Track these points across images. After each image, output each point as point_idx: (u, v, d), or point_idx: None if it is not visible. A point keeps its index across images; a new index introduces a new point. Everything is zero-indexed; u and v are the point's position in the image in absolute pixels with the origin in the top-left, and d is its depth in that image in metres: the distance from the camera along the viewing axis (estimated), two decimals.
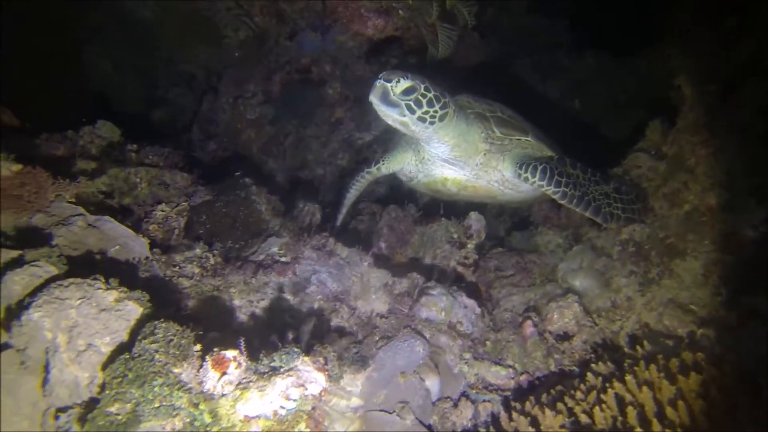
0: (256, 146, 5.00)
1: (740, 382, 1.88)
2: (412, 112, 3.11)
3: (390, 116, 3.15)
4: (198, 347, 1.87)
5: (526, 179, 3.46)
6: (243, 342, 1.88)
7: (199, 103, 4.81)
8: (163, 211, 3.29)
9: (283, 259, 3.12)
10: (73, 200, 2.74)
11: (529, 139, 3.68)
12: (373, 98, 3.10)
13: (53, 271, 2.03)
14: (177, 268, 2.88)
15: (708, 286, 2.98)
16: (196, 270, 2.88)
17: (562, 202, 3.49)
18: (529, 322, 3.13)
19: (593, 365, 2.62)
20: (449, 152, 3.46)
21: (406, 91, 3.08)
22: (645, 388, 2.09)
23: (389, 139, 4.51)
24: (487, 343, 3.07)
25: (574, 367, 3.02)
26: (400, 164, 3.82)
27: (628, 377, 2.24)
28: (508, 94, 6.39)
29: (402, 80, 3.07)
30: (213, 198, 3.50)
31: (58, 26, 4.69)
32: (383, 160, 3.85)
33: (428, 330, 2.80)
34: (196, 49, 4.63)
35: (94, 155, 3.58)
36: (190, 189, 3.62)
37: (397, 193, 4.81)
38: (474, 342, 3.00)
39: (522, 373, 3.03)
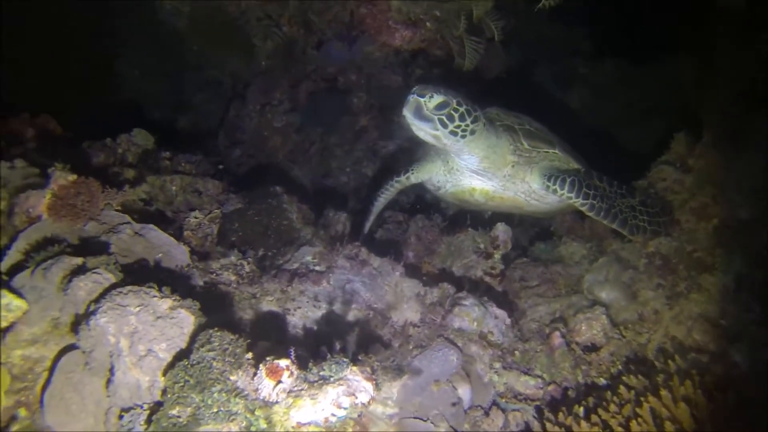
0: (282, 153, 5.09)
1: None
2: (445, 126, 3.18)
3: (423, 130, 3.23)
4: (250, 355, 1.94)
5: (554, 191, 3.51)
6: (293, 351, 1.95)
7: (225, 109, 4.91)
8: (196, 218, 3.37)
9: (317, 268, 3.20)
10: (119, 208, 2.84)
11: (556, 151, 3.74)
12: (407, 113, 3.18)
13: (112, 278, 2.12)
14: (214, 276, 2.96)
15: (738, 301, 3.01)
16: (233, 277, 2.95)
17: (590, 213, 3.55)
18: (557, 333, 3.18)
19: (624, 378, 2.66)
20: (478, 164, 3.53)
21: (439, 106, 3.15)
22: (682, 404, 2.13)
23: (413, 149, 4.57)
24: (516, 353, 3.12)
25: (602, 379, 3.07)
26: (428, 174, 3.89)
27: (664, 392, 2.28)
28: (529, 102, 6.45)
29: (435, 95, 3.15)
30: (245, 206, 3.59)
31: (92, 36, 4.82)
32: (412, 170, 3.92)
33: (460, 339, 2.86)
34: (224, 57, 4.73)
35: (132, 163, 3.69)
36: (221, 197, 3.71)
37: (420, 202, 4.88)
38: (503, 352, 3.05)
39: (550, 384, 3.08)
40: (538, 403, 2.96)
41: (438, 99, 3.16)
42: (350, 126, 5.25)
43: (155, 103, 5.39)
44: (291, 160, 5.19)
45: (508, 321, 3.08)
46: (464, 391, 2.76)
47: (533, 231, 4.75)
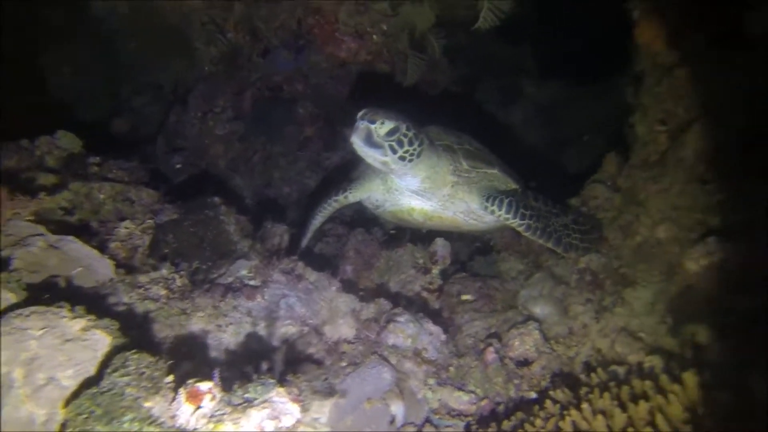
0: (224, 162, 4.97)
1: (684, 411, 2.02)
2: (395, 152, 3.19)
3: (372, 156, 3.21)
4: (170, 379, 1.85)
5: (492, 212, 3.57)
6: (218, 373, 1.88)
7: (165, 114, 4.73)
8: (127, 228, 3.22)
9: (252, 282, 3.12)
10: (32, 218, 2.66)
11: (495, 171, 3.81)
12: (357, 140, 3.13)
13: (12, 298, 1.97)
14: (142, 290, 2.82)
15: (655, 314, 3.17)
16: (163, 292, 2.83)
17: (526, 234, 3.63)
18: (491, 348, 3.23)
19: (551, 392, 2.74)
20: (419, 184, 3.54)
21: (390, 132, 3.15)
22: (600, 417, 2.21)
23: (356, 162, 4.55)
24: (451, 368, 3.15)
25: (533, 393, 3.14)
26: (367, 193, 3.86)
27: (584, 405, 2.36)
28: (474, 119, 6.60)
29: (386, 121, 3.13)
30: (180, 216, 3.46)
31: (9, 27, 4.42)
32: (351, 189, 3.87)
33: (394, 356, 2.86)
34: (165, 60, 4.55)
35: (53, 168, 3.48)
36: (156, 206, 3.56)
37: (362, 216, 4.87)
38: (438, 368, 3.07)
39: (483, 399, 3.12)
40: (470, 418, 3.00)
41: (389, 125, 3.15)
42: (295, 136, 5.19)
43: (88, 104, 5.10)
44: (233, 169, 5.07)
45: (443, 337, 3.11)
46: (397, 409, 2.76)
47: (474, 246, 4.84)
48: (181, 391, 1.79)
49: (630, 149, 4.08)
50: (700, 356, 2.53)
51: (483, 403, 3.11)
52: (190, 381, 1.81)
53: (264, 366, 2.16)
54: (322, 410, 2.51)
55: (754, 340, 2.65)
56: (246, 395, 1.86)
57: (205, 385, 1.80)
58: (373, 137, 3.15)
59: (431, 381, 2.97)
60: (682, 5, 3.31)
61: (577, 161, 6.39)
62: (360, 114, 3.19)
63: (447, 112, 5.63)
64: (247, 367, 2.06)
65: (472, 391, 3.11)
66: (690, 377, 2.12)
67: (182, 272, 3.00)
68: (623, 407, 2.24)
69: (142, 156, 4.49)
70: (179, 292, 2.86)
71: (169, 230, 3.37)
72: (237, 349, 2.61)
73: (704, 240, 3.07)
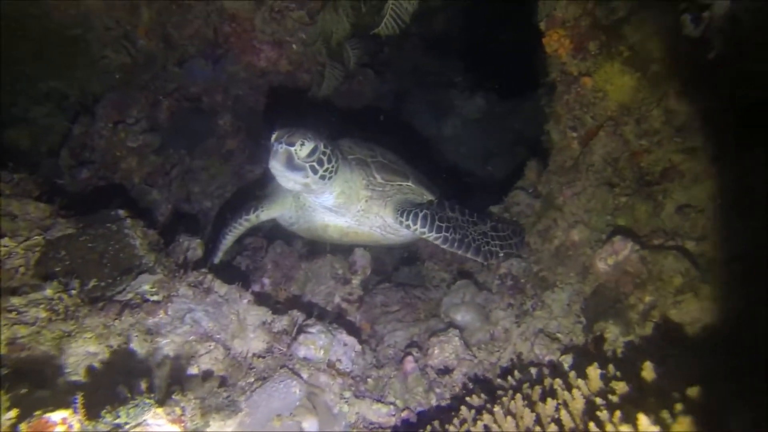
0: (139, 176, 4.69)
1: (588, 405, 2.01)
2: (315, 172, 3.09)
3: (293, 180, 3.08)
4: (13, 414, 1.61)
5: (407, 226, 3.50)
6: (80, 398, 1.67)
7: (71, 126, 4.41)
8: (5, 246, 2.93)
9: (154, 297, 2.90)
10: None
11: (409, 183, 3.77)
12: (277, 164, 2.98)
13: None
14: (14, 314, 2.54)
15: (572, 315, 3.20)
16: (43, 314, 2.55)
17: (444, 246, 3.60)
18: (410, 357, 3.15)
19: (467, 398, 2.68)
20: (333, 200, 3.44)
21: (310, 153, 3.04)
22: (509, 418, 2.16)
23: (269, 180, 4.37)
24: (369, 380, 3.04)
25: (454, 401, 3.08)
26: (279, 211, 3.72)
27: (497, 408, 2.31)
28: (402, 131, 6.64)
29: (306, 142, 3.01)
30: (77, 231, 3.18)
31: None
32: (262, 207, 3.71)
33: (306, 369, 2.71)
34: (69, 68, 4.25)
35: None
36: (47, 221, 3.25)
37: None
38: (355, 380, 2.95)
39: (404, 410, 3.03)
40: (389, 431, 2.89)
41: (309, 145, 3.03)
42: (216, 149, 5.00)
43: None
44: (149, 183, 4.80)
45: (358, 348, 2.99)
46: (310, 425, 2.61)
47: (399, 256, 4.79)
48: (22, 426, 1.56)
49: (548, 156, 4.18)
50: (607, 351, 2.55)
51: (403, 414, 3.01)
52: (37, 412, 1.58)
53: (142, 385, 1.96)
54: (224, 429, 2.33)
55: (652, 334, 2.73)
56: (116, 421, 1.67)
57: (57, 415, 1.58)
58: (294, 160, 3.01)
59: (347, 394, 2.84)
60: (583, 16, 3.43)
61: (503, 170, 6.54)
62: (275, 136, 3.04)
63: (375, 125, 5.63)
64: (120, 388, 1.86)
65: (392, 403, 3.01)
66: (593, 371, 2.11)
67: (72, 291, 2.73)
68: (532, 407, 2.20)
69: (42, 170, 4.16)
70: (65, 314, 2.60)
71: (62, 246, 3.09)
72: (124, 369, 2.39)
73: (611, 240, 3.15)
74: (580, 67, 3.58)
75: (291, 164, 3.01)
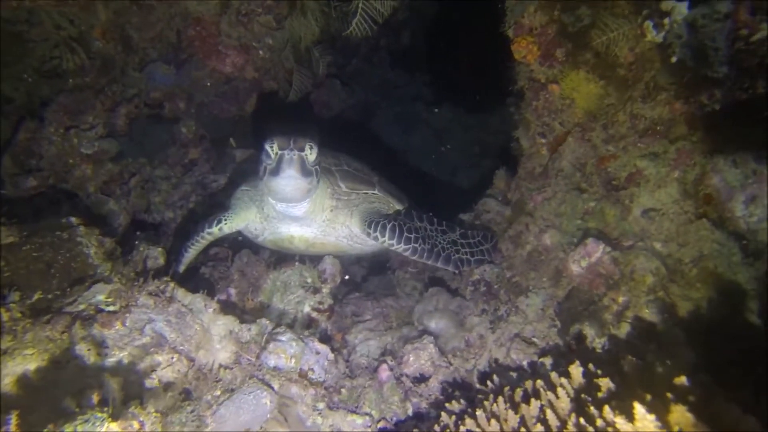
0: (94, 185, 4.45)
1: (574, 403, 1.96)
2: (317, 176, 3.03)
3: (305, 186, 3.01)
4: None
5: (375, 238, 3.43)
6: (14, 418, 1.48)
7: (14, 131, 4.12)
8: None
9: (110, 308, 2.70)
10: None
11: (375, 192, 3.71)
12: (292, 171, 2.88)
13: None
14: None
15: (546, 319, 3.18)
16: None
17: (413, 257, 3.54)
18: (384, 365, 3.05)
19: (447, 404, 2.60)
20: (305, 208, 3.35)
21: (316, 157, 2.99)
22: (493, 421, 2.09)
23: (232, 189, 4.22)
24: (343, 390, 2.91)
25: (432, 409, 2.98)
26: (243, 222, 3.59)
27: (479, 411, 2.23)
28: (370, 142, 6.62)
29: (313, 146, 2.96)
30: (20, 240, 2.95)
31: None
32: (225, 220, 3.58)
33: (277, 380, 2.57)
34: (14, 70, 3.98)
35: None
36: None
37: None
38: (328, 390, 2.82)
39: (379, 420, 2.91)
40: None
41: (315, 149, 2.98)
42: (178, 158, 4.81)
43: None
44: (106, 192, 4.56)
45: (331, 356, 2.87)
46: None
47: (368, 266, 4.70)
48: None
49: (517, 163, 4.21)
50: (584, 351, 2.53)
51: (380, 424, 2.89)
52: None
53: (94, 399, 1.78)
54: None
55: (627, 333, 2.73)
56: None
57: None
58: (306, 165, 2.94)
59: (321, 405, 2.70)
60: (550, 24, 3.50)
61: (468, 180, 6.59)
62: (278, 144, 2.93)
63: (343, 133, 5.57)
64: (66, 402, 1.68)
65: (368, 413, 2.89)
66: (575, 369, 2.07)
67: (11, 305, 2.50)
68: (516, 408, 2.14)
69: None
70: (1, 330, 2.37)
71: (2, 256, 2.86)
72: (72, 386, 2.19)
73: (583, 242, 3.17)
74: (547, 74, 3.63)
75: (304, 170, 2.93)
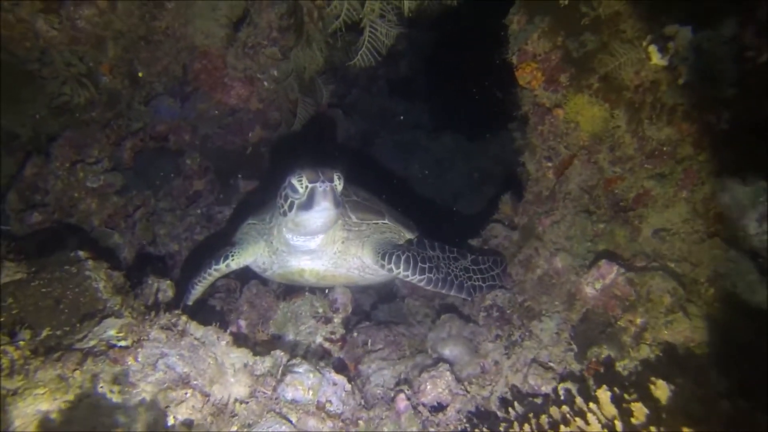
0: (99, 218, 4.42)
1: (607, 429, 1.91)
2: (343, 206, 3.03)
3: (334, 218, 2.99)
4: None
5: (390, 270, 3.39)
6: None
7: (20, 167, 4.10)
8: None
9: (121, 343, 2.64)
10: None
11: (386, 222, 3.69)
12: (326, 203, 2.86)
13: None
14: None
15: (562, 343, 3.14)
16: None
17: (428, 287, 3.51)
18: (402, 395, 2.98)
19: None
20: (320, 241, 3.31)
21: (344, 187, 2.99)
22: None
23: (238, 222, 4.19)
24: (360, 422, 2.84)
25: None
26: (251, 257, 3.55)
27: None
28: (371, 170, 6.65)
29: (341, 176, 2.96)
30: (28, 276, 2.91)
31: None
32: (232, 255, 3.53)
33: (294, 413, 2.50)
34: (21, 105, 3.99)
35: None
36: None
37: None
38: (346, 423, 2.75)
39: None
40: None
41: (343, 178, 2.98)
42: (183, 190, 4.80)
43: None
44: (111, 226, 4.53)
45: (348, 387, 2.81)
46: None
47: (377, 295, 4.65)
48: None
49: (524, 187, 4.23)
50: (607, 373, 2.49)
51: None
52: None
53: None
54: None
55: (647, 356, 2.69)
56: None
57: None
58: (337, 196, 2.93)
59: None
60: (554, 50, 3.57)
61: (471, 207, 6.61)
62: (306, 177, 2.90)
63: (344, 163, 5.59)
64: None
65: None
66: (603, 393, 2.03)
67: (20, 343, 2.44)
68: None
69: None
70: (10, 368, 2.30)
71: (10, 293, 2.81)
72: (87, 425, 2.12)
73: (597, 264, 3.15)
74: (552, 98, 3.68)
75: (336, 201, 2.91)
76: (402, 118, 7.46)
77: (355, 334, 3.72)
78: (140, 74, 4.10)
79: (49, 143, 4.19)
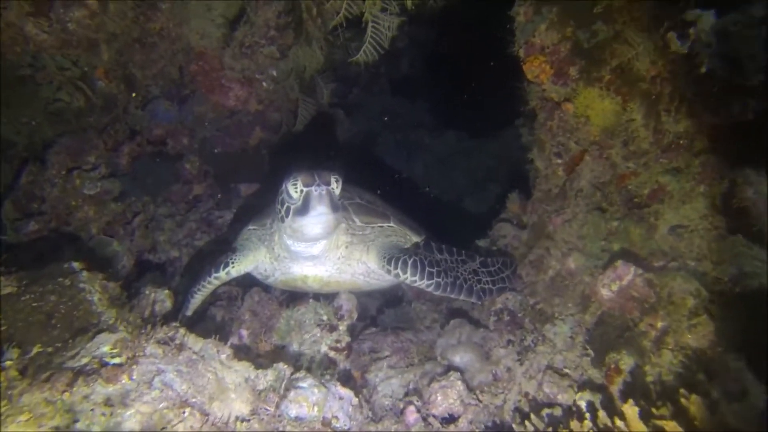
0: (97, 226, 4.31)
1: None
2: (342, 210, 2.90)
3: (332, 223, 2.86)
4: None
5: (396, 276, 3.26)
6: None
7: (16, 175, 4.01)
8: None
9: (115, 360, 2.52)
10: None
11: (391, 224, 3.55)
12: (322, 207, 2.74)
13: None
14: None
15: (577, 347, 3.00)
16: None
17: (437, 293, 3.37)
18: (411, 407, 2.85)
19: None
20: (323, 246, 3.19)
21: (342, 190, 2.87)
22: None
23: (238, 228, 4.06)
24: None
25: None
26: (252, 264, 3.43)
27: None
28: (374, 169, 6.53)
29: (339, 179, 2.83)
30: (18, 290, 2.79)
31: None
32: (233, 262, 3.41)
33: (299, 431, 2.37)
34: (15, 111, 3.89)
35: None
36: None
37: None
38: None
39: None
40: None
41: (340, 182, 2.85)
42: (182, 195, 4.69)
43: None
44: (109, 233, 4.42)
45: (355, 401, 2.67)
46: None
47: (383, 299, 4.51)
48: None
49: (532, 185, 4.08)
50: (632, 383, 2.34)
51: None
52: None
53: None
54: None
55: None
56: None
57: None
58: (334, 200, 2.80)
59: None
60: (563, 41, 3.41)
61: (476, 205, 6.47)
62: (302, 181, 2.78)
63: (347, 163, 5.47)
64: None
65: None
66: (630, 409, 1.88)
67: (7, 362, 2.31)
68: None
69: None
70: None
71: None
72: None
73: (613, 265, 3.00)
74: (560, 92, 3.53)
75: (334, 204, 2.79)
76: (404, 116, 7.32)
77: (361, 340, 3.59)
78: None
79: (44, 150, 4.09)
